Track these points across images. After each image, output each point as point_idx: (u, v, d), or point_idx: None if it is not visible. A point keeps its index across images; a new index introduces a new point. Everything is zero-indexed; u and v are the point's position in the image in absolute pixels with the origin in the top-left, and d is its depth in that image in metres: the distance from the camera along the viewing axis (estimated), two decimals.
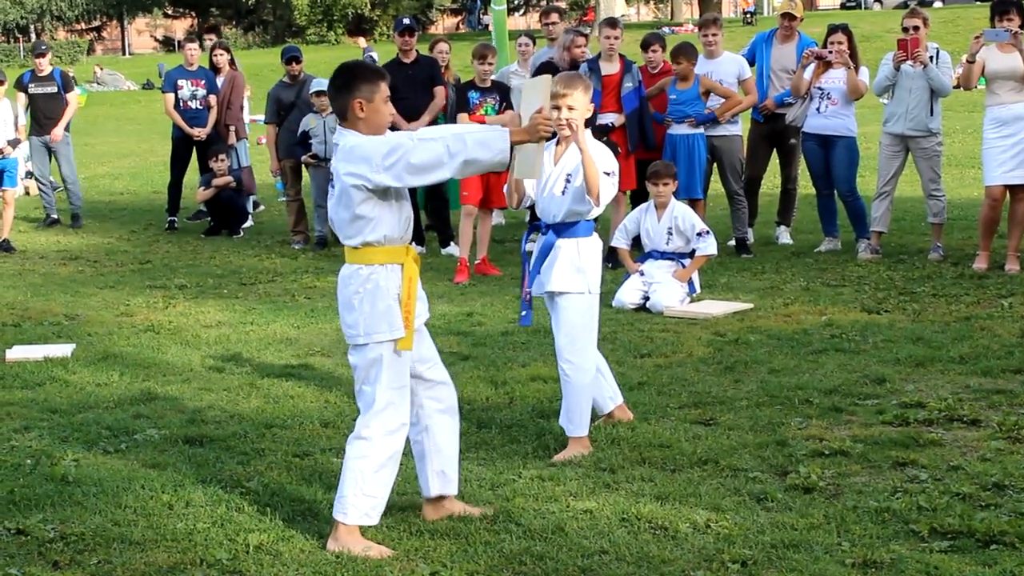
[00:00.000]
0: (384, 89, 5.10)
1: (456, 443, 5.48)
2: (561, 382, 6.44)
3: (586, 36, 12.41)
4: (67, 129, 15.76)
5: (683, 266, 10.15)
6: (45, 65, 15.86)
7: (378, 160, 4.90)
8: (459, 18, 75.87)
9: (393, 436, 5.13)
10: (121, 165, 24.22)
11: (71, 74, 16.85)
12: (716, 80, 12.01)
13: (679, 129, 11.75)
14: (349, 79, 5.09)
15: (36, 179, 16.56)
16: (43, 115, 15.63)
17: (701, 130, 11.80)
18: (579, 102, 6.15)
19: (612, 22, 12.30)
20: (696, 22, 15.80)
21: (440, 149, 4.89)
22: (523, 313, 6.54)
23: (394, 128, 5.40)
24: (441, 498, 5.43)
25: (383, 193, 5.00)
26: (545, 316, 6.89)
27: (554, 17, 13.87)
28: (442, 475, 5.40)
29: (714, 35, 12.33)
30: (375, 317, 5.06)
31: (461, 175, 5.06)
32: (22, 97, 15.65)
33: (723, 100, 11.98)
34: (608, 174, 6.26)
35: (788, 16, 12.64)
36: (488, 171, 5.18)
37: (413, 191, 5.13)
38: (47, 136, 15.67)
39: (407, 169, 4.89)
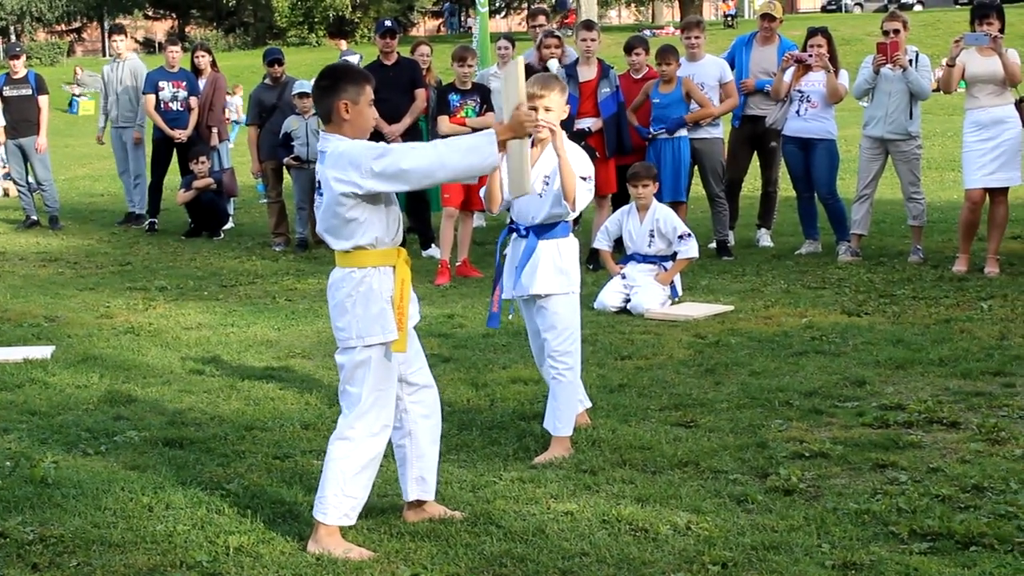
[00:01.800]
0: (369, 92, 5.08)
1: (437, 448, 5.47)
2: (552, 383, 6.43)
3: (558, 37, 12.38)
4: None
5: (665, 269, 10.17)
6: (19, 67, 15.81)
7: (368, 165, 4.86)
8: (440, 20, 75.87)
9: (376, 438, 5.12)
10: (101, 167, 24.11)
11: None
12: (697, 83, 12.03)
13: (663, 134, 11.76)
14: (335, 80, 5.06)
15: (14, 181, 16.51)
16: (17, 117, 15.57)
17: (685, 132, 11.82)
18: (555, 103, 6.17)
19: (588, 25, 12.26)
20: (679, 25, 15.83)
21: (431, 155, 4.87)
22: (492, 311, 6.54)
23: (376, 131, 5.38)
24: (421, 502, 5.43)
25: (373, 197, 4.98)
26: (520, 318, 6.87)
27: (541, 19, 13.89)
28: (421, 481, 5.40)
29: (696, 38, 12.34)
30: (368, 320, 5.05)
31: (452, 181, 5.04)
32: None
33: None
34: (584, 179, 6.27)
35: (768, 17, 12.67)
36: (480, 175, 5.16)
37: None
38: (21, 139, 15.62)
39: (398, 175, 4.86)
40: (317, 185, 5.11)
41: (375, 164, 4.86)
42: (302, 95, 13.31)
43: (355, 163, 4.89)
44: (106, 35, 72.18)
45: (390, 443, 5.35)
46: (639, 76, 12.20)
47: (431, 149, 4.89)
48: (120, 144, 15.88)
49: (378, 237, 5.04)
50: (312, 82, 5.42)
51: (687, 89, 11.81)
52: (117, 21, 45.23)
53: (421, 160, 4.85)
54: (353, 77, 5.07)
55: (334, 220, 5.02)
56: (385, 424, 5.15)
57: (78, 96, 44.13)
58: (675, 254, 10.20)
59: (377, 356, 5.08)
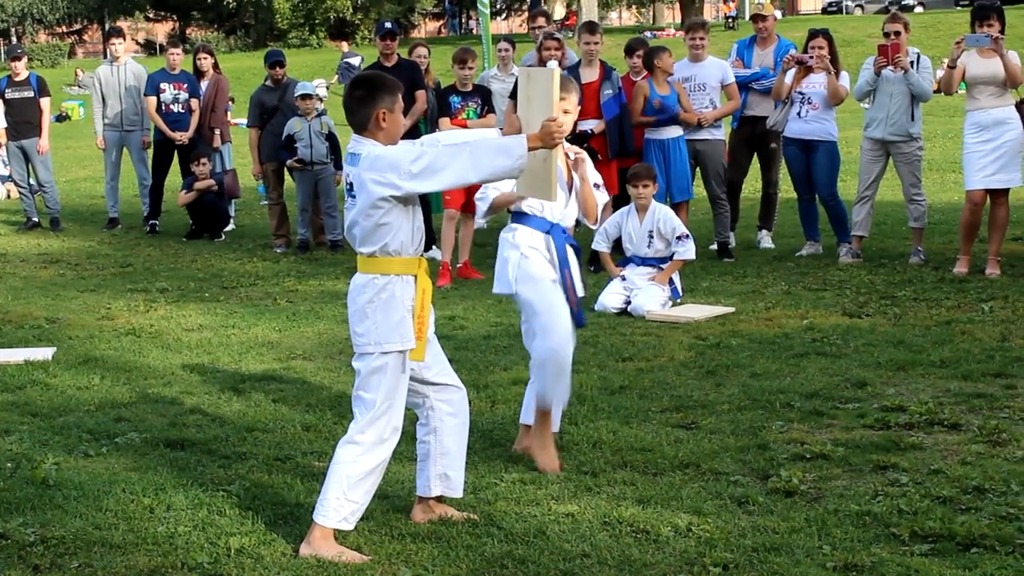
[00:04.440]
0: (400, 99, 5.15)
1: (464, 447, 5.50)
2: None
3: (558, 39, 12.37)
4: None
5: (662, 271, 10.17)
6: (21, 69, 15.79)
7: (406, 167, 4.91)
8: (441, 22, 75.90)
9: (384, 444, 5.13)
10: (102, 168, 24.04)
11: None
12: (699, 84, 12.06)
13: (660, 133, 11.76)
14: (372, 90, 5.09)
15: (15, 183, 16.51)
16: (19, 119, 15.57)
17: (681, 132, 11.83)
18: (572, 105, 6.17)
19: (592, 28, 12.24)
20: (683, 26, 15.81)
21: (464, 155, 4.91)
22: (576, 310, 6.35)
23: None
24: (436, 500, 5.46)
25: (406, 200, 5.02)
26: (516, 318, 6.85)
27: (541, 21, 13.87)
28: (445, 478, 5.44)
29: (701, 39, 12.34)
30: (388, 327, 5.07)
31: (483, 181, 5.09)
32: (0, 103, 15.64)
33: (707, 107, 12.05)
34: (597, 186, 6.35)
35: (758, 18, 12.71)
36: (507, 177, 5.16)
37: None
38: (23, 140, 15.61)
39: (434, 175, 4.91)
40: (348, 187, 5.11)
41: (413, 166, 4.90)
42: (305, 97, 13.31)
43: (394, 165, 4.93)
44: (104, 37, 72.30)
45: (412, 440, 5.40)
46: (639, 78, 12.19)
47: (465, 150, 4.94)
48: (116, 149, 15.76)
49: (403, 243, 5.07)
50: (337, 89, 5.44)
51: (679, 92, 11.83)
52: (116, 24, 45.04)
53: (456, 161, 4.91)
54: (388, 87, 5.12)
55: (366, 223, 5.04)
56: (395, 428, 5.16)
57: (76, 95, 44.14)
58: (673, 255, 10.20)
59: (393, 363, 5.09)
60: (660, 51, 11.94)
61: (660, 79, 11.80)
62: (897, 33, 11.35)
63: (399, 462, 5.90)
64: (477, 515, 5.45)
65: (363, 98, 5.09)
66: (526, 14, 67.41)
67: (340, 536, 5.12)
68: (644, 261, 10.26)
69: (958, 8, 53.12)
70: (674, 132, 11.80)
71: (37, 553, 5.08)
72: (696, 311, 9.77)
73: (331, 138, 13.41)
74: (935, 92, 12.59)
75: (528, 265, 6.23)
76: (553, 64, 5.72)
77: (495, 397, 7.43)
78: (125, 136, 15.68)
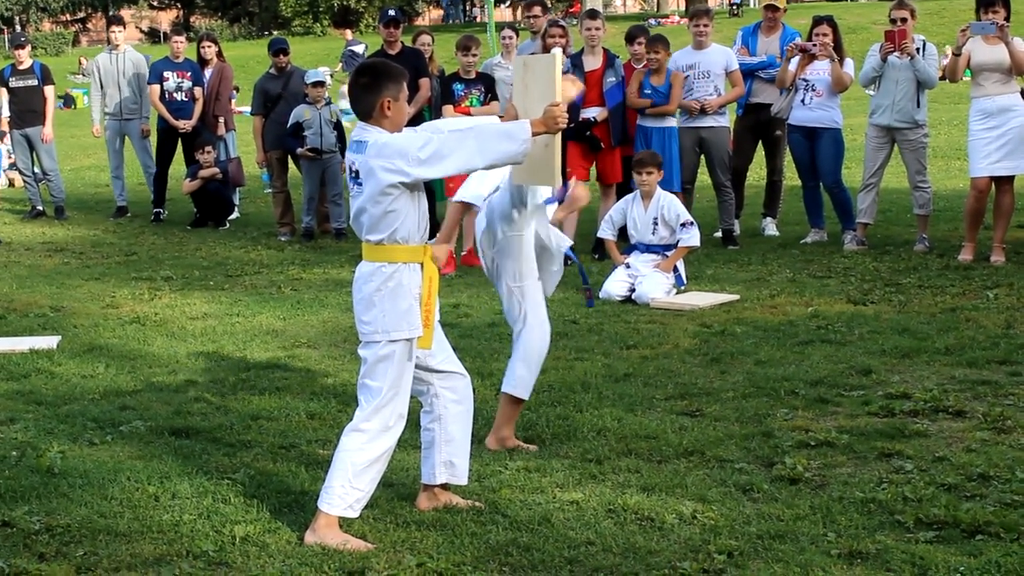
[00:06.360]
0: (405, 87, 5.15)
1: (468, 434, 5.51)
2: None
3: (563, 27, 12.34)
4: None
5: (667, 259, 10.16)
6: (24, 57, 15.79)
7: (414, 153, 4.91)
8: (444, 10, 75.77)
9: (390, 432, 5.14)
10: (106, 157, 24.06)
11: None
12: (703, 71, 12.03)
13: (653, 121, 11.74)
14: (377, 78, 5.09)
15: (19, 171, 16.50)
16: (23, 108, 15.58)
17: (674, 123, 11.81)
18: None
19: (593, 13, 12.24)
20: (687, 13, 15.77)
21: (470, 140, 4.92)
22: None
23: None
24: (441, 487, 5.46)
25: (413, 187, 5.02)
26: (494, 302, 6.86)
27: (536, 10, 13.81)
28: (450, 465, 5.44)
29: (705, 26, 12.30)
30: (396, 315, 5.07)
31: (488, 167, 5.08)
32: (3, 91, 15.63)
33: (711, 94, 12.01)
34: None
35: (771, 8, 12.67)
36: (511, 162, 5.13)
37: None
38: (27, 129, 15.61)
39: (442, 161, 4.92)
40: (354, 175, 5.11)
41: (421, 152, 4.91)
42: (317, 84, 13.30)
43: (402, 152, 4.93)
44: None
45: (416, 428, 5.42)
46: (640, 66, 12.16)
47: (470, 135, 4.95)
48: (118, 137, 15.75)
49: (410, 230, 5.07)
50: (341, 77, 5.43)
51: (672, 82, 11.78)
52: (116, 12, 44.92)
53: (462, 146, 4.92)
54: (393, 75, 5.12)
55: (374, 210, 5.04)
56: (400, 416, 5.16)
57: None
58: (678, 242, 10.19)
59: (400, 351, 5.09)
60: (656, 42, 11.91)
61: (657, 66, 11.76)
62: (903, 19, 11.33)
63: (404, 450, 5.90)
64: (482, 503, 5.46)
65: (368, 86, 5.09)
66: (522, 3, 67.36)
67: (345, 524, 5.13)
68: (649, 248, 10.26)
69: None
70: (663, 121, 11.77)
71: (42, 541, 5.09)
72: (700, 299, 9.76)
73: (338, 127, 13.41)
74: (940, 79, 12.57)
75: None
76: (557, 51, 5.71)
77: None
78: (124, 125, 15.66)
